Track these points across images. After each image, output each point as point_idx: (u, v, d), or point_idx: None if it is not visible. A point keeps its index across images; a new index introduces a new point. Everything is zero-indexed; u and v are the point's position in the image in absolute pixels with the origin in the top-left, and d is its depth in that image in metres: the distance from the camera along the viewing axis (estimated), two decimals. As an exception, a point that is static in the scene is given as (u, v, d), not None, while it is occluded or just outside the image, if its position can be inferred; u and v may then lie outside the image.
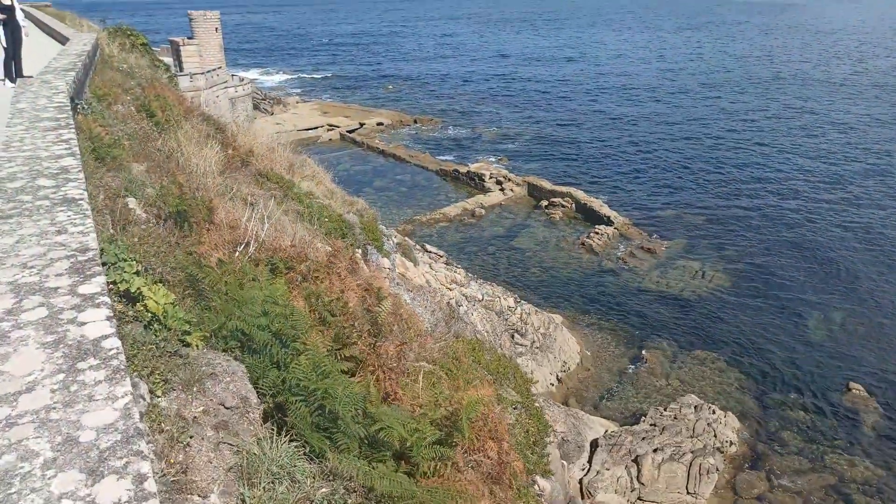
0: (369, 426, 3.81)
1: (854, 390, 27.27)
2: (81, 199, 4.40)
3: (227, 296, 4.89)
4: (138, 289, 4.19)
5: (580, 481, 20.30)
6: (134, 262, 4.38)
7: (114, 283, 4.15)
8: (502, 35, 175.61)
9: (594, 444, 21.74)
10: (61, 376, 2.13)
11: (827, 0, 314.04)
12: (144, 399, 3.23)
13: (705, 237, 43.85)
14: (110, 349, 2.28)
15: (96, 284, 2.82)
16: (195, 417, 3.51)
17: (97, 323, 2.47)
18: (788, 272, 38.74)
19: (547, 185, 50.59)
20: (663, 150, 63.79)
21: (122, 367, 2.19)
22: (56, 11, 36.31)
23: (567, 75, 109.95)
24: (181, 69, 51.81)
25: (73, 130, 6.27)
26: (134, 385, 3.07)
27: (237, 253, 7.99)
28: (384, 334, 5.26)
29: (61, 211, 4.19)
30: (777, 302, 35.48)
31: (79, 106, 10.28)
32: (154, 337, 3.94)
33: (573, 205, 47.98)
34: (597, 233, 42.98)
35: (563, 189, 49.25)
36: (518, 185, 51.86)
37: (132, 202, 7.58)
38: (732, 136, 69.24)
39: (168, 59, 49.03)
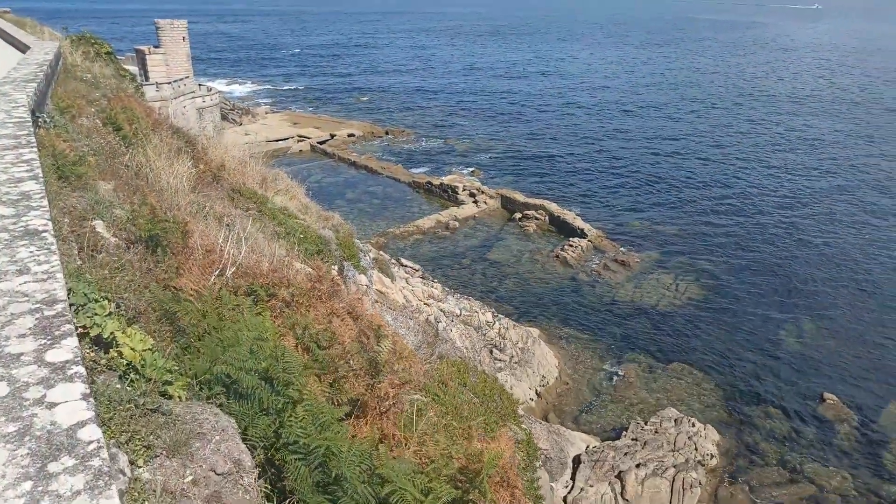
0: (378, 487, 3.37)
1: (828, 400, 27.58)
2: (45, 231, 3.88)
3: (208, 334, 4.40)
4: (112, 334, 3.69)
5: (564, 499, 19.96)
6: (106, 302, 3.88)
7: (84, 327, 3.65)
8: (474, 48, 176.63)
9: (576, 461, 21.45)
10: (28, 485, 1.64)
11: (787, 19, 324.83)
12: (124, 474, 2.74)
13: (677, 250, 44.27)
14: (90, 442, 1.80)
15: (68, 349, 2.33)
16: (183, 490, 3.03)
17: (71, 404, 1.98)
18: (759, 284, 39.27)
19: (520, 197, 50.60)
20: (634, 164, 64.54)
21: (106, 469, 1.72)
22: (15, 18, 34.93)
23: (538, 89, 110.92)
24: (147, 78, 50.51)
25: (35, 149, 5.71)
26: (112, 457, 2.59)
27: (213, 278, 7.46)
28: (384, 374, 4.84)
29: (23, 245, 3.67)
30: (749, 314, 35.87)
31: (40, 119, 9.63)
32: (131, 390, 3.45)
33: (547, 217, 48.03)
34: (571, 245, 43.03)
35: (537, 202, 49.30)
36: (491, 197, 51.76)
37: (100, 226, 7.00)
38: (702, 150, 70.48)
39: (133, 68, 47.74)
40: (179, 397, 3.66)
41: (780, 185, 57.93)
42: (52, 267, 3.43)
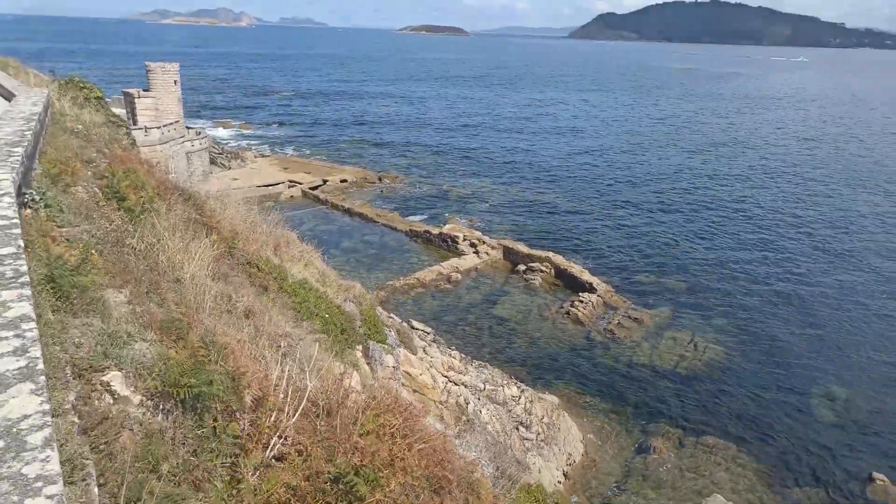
0: None
1: (877, 480, 25.42)
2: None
3: None
4: None
5: None
6: None
7: None
8: (464, 93, 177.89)
9: (622, 564, 18.89)
10: None
11: (781, 71, 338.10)
12: None
13: (690, 304, 42.52)
14: None
15: None
16: None
17: None
18: (780, 342, 37.50)
19: (523, 248, 48.76)
20: (636, 214, 63.40)
21: None
22: (-2, 59, 32.65)
23: (532, 136, 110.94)
24: (135, 122, 48.41)
25: (29, 295, 3.47)
26: None
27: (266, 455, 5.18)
28: None
29: None
30: (774, 376, 33.95)
31: (27, 197, 7.40)
32: None
33: (552, 270, 46.14)
34: (581, 301, 41.03)
35: (541, 253, 47.47)
36: (493, 248, 49.85)
37: (117, 380, 4.72)
38: (705, 197, 69.78)
39: (120, 111, 45.59)
40: None
41: (794, 237, 56.94)
42: None
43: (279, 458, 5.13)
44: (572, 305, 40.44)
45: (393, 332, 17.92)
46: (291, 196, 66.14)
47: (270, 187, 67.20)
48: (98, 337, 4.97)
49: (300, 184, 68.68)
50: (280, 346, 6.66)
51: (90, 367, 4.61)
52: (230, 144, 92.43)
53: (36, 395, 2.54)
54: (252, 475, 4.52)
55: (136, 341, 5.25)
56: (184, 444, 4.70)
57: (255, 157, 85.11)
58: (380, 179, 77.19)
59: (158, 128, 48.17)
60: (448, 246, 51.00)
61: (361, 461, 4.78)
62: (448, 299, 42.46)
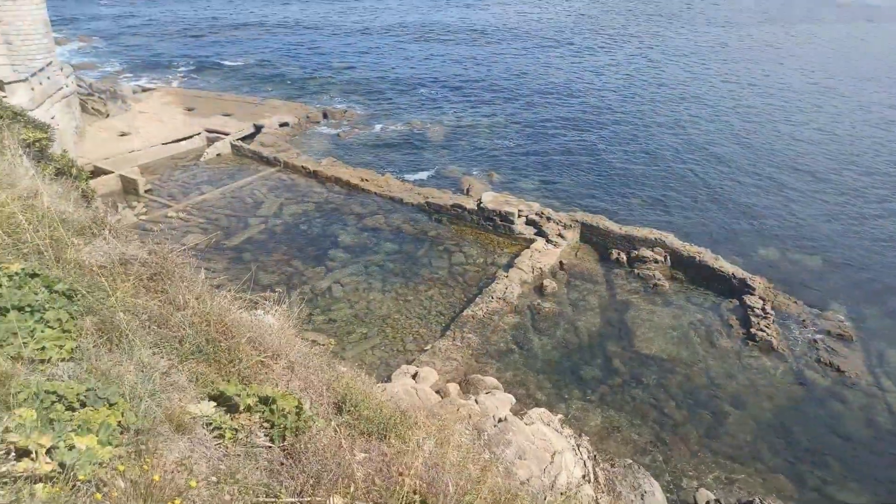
0: None
1: None
2: None
3: None
4: None
5: None
6: None
7: None
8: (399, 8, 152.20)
9: None
10: None
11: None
12: None
13: (867, 297, 30.79)
14: None
15: None
16: None
17: None
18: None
19: (614, 226, 34.07)
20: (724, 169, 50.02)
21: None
22: None
23: (528, 45, 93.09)
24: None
25: None
26: None
27: None
28: None
29: None
30: None
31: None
32: None
33: (667, 257, 32.19)
34: (754, 313, 27.73)
35: (647, 233, 33.08)
36: (567, 226, 34.71)
37: None
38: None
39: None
40: None
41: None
42: None
43: None
44: (755, 325, 26.94)
45: None
46: (218, 154, 45.86)
47: (183, 143, 46.42)
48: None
49: (224, 134, 48.19)
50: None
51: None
52: (90, 75, 67.32)
53: None
54: None
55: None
56: None
57: (135, 92, 61.70)
58: (325, 116, 57.90)
59: (34, 76, 26.60)
60: (496, 227, 35.15)
61: None
62: (547, 325, 27.31)
